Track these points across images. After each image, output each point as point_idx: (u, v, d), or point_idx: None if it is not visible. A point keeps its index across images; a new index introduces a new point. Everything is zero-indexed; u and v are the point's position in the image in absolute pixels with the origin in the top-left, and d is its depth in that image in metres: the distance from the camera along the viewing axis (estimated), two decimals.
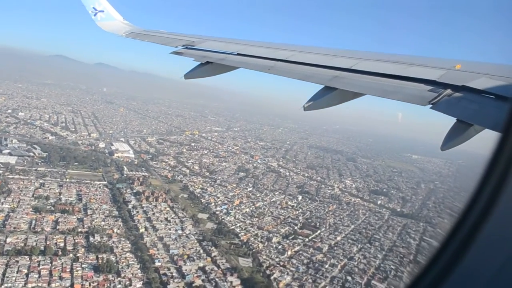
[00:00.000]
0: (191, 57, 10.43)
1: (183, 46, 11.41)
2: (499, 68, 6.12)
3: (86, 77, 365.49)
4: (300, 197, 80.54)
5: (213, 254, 48.89)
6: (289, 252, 53.08)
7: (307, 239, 58.48)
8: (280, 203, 74.69)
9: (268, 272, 46.63)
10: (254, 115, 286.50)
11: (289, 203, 75.48)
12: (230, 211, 65.35)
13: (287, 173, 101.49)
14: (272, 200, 76.04)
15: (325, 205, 78.13)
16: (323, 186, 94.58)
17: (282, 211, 69.90)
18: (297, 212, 70.66)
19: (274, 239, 56.40)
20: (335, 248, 57.05)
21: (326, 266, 50.71)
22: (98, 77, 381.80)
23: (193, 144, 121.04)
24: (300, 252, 53.94)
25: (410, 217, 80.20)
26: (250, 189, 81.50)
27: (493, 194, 2.19)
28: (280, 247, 54.49)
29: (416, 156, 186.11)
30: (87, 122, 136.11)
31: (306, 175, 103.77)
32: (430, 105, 5.59)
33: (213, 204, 68.05)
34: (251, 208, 68.98)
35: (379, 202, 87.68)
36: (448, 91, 5.66)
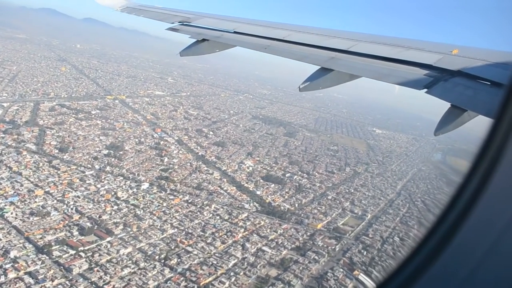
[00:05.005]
0: (187, 34, 10.50)
1: (179, 22, 11.51)
2: (496, 54, 6.04)
3: (67, 32, 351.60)
4: (146, 185, 66.18)
5: None
6: (11, 275, 39.33)
7: (70, 253, 44.55)
8: (106, 194, 60.61)
9: None
10: (231, 78, 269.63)
11: (120, 194, 61.25)
12: (7, 206, 51.52)
13: (175, 151, 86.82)
14: (101, 188, 61.97)
15: (172, 197, 63.73)
16: (205, 168, 79.84)
17: (91, 206, 55.78)
18: (112, 208, 56.54)
19: (14, 253, 42.53)
20: (96, 269, 42.87)
21: None
22: (81, 33, 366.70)
23: (94, 112, 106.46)
24: (28, 275, 40.01)
25: (280, 215, 65.28)
26: (91, 172, 67.42)
27: (480, 183, 2.16)
28: (9, 266, 40.70)
29: (381, 131, 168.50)
30: None
31: (200, 153, 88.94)
32: (425, 90, 5.61)
33: None
34: (51, 202, 55.07)
35: (258, 192, 72.71)
36: (444, 76, 5.67)
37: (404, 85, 6.00)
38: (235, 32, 9.71)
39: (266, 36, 8.90)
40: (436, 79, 5.62)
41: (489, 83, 5.14)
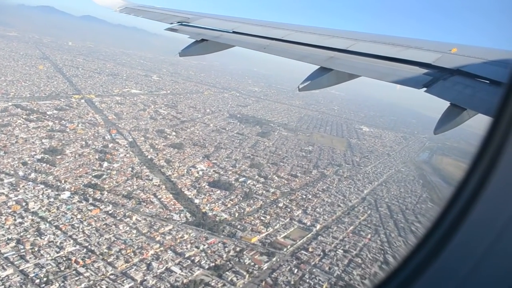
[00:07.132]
0: (186, 34, 10.60)
1: (178, 22, 11.49)
2: (495, 52, 5.98)
3: (63, 30, 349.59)
4: (67, 194, 60.70)
5: None
6: None
7: None
8: (15, 205, 55.20)
9: None
10: (224, 75, 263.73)
11: (31, 205, 55.82)
12: None
13: (122, 155, 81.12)
14: (13, 199, 56.59)
15: (91, 208, 58.05)
16: (147, 174, 74.09)
17: None
18: (14, 222, 50.85)
19: None
20: None
21: None
22: (77, 30, 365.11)
23: (50, 113, 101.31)
24: None
25: (211, 227, 59.07)
26: (10, 180, 62.15)
27: (480, 182, 2.18)
28: None
29: (368, 128, 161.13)
30: None
31: (149, 157, 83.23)
32: (425, 88, 5.55)
33: None
34: None
35: (197, 200, 66.69)
36: (443, 74, 5.60)
37: (403, 84, 5.92)
38: (234, 32, 9.79)
39: (265, 36, 8.96)
40: (436, 78, 5.58)
41: (488, 81, 5.11)
